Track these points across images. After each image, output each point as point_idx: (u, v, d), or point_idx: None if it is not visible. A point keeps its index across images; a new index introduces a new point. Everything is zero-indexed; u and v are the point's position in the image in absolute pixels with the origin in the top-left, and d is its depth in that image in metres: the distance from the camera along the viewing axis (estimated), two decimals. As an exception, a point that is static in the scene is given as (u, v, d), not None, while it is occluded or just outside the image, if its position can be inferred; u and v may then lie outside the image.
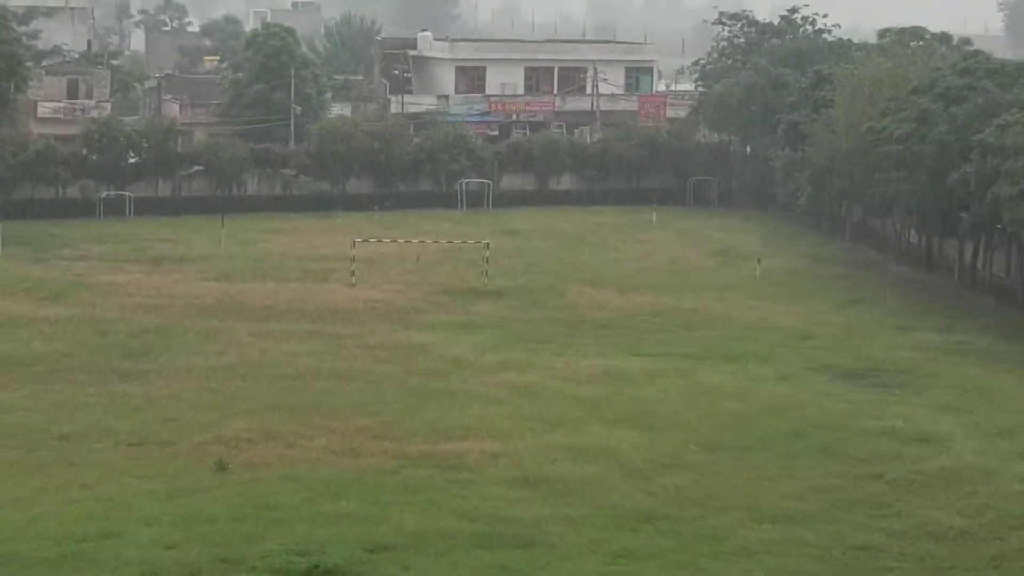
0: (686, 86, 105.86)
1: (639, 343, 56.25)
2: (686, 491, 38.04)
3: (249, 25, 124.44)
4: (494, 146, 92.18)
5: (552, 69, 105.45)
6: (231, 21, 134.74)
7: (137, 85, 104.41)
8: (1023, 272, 64.38)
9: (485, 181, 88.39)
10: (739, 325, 60.01)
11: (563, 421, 44.45)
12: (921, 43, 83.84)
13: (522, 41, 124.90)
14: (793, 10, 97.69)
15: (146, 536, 33.58)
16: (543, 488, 38.00)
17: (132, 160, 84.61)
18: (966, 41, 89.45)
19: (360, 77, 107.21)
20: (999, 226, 62.53)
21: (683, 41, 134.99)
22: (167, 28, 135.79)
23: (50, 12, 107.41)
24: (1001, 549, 34.42)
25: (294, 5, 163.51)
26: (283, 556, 32.16)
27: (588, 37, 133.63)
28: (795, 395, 48.47)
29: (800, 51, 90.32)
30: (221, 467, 38.88)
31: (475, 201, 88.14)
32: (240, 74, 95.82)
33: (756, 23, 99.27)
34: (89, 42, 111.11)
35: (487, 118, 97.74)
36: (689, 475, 39.52)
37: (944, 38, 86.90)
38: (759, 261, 72.93)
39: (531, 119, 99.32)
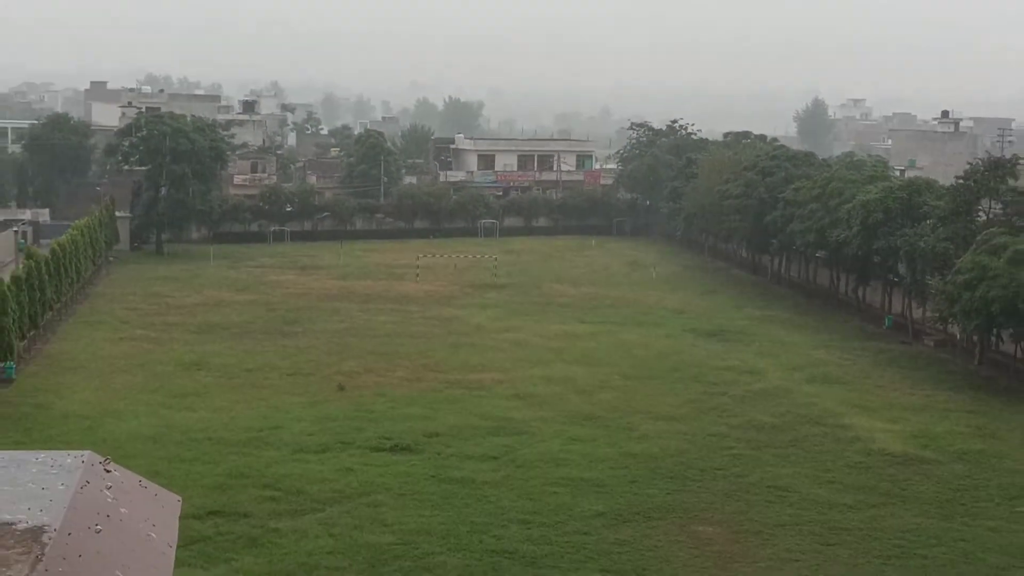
0: (611, 165, 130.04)
1: (584, 316, 68.60)
2: (612, 402, 47.74)
3: (357, 130, 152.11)
4: (500, 200, 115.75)
5: (533, 156, 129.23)
6: (346, 128, 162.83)
7: (291, 165, 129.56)
8: (807, 275, 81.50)
9: (494, 221, 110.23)
10: (643, 305, 73.22)
11: (539, 361, 55.09)
12: (747, 141, 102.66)
13: (516, 139, 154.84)
14: (674, 120, 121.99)
15: (296, 428, 42.54)
16: (528, 400, 47.66)
17: (288, 209, 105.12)
18: (774, 139, 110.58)
19: (421, 160, 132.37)
20: (794, 248, 79.79)
21: (610, 139, 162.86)
22: (309, 132, 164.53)
23: (241, 123, 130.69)
24: (795, 435, 43.49)
25: (383, 119, 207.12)
26: (376, 439, 41.04)
27: (555, 138, 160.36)
28: (675, 346, 60.16)
29: (678, 145, 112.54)
30: (340, 388, 48.56)
31: (488, 233, 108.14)
32: (352, 159, 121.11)
33: (652, 129, 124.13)
34: (263, 140, 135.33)
35: (495, 184, 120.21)
36: (614, 393, 49.28)
37: (761, 137, 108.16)
38: (654, 268, 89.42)
39: (521, 185, 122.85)
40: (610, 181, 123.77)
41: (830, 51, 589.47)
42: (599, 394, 49.10)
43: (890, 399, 50.01)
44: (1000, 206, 60.54)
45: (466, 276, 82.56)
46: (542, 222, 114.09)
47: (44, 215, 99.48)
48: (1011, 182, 61.35)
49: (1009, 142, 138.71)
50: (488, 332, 62.32)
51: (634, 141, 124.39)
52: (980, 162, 64.87)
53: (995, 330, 54.96)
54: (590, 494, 36.09)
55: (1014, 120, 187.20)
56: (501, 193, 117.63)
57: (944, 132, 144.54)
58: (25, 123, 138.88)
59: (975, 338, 57.84)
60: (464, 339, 60.17)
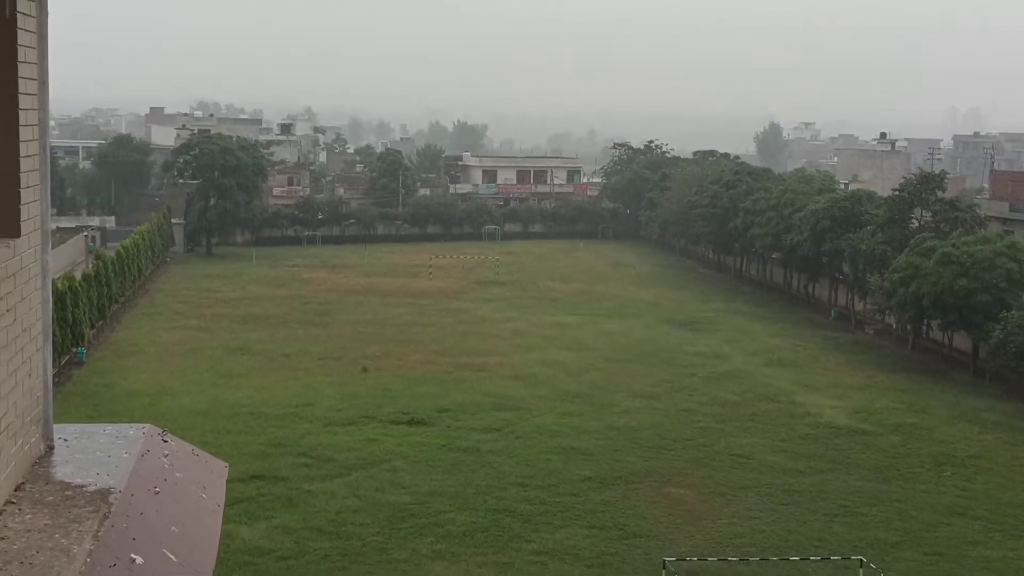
0: (597, 179, 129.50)
1: (573, 308, 68.11)
2: (597, 382, 47.83)
3: (378, 149, 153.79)
4: (501, 209, 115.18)
5: (530, 171, 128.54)
6: (369, 147, 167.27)
7: (322, 179, 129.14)
8: (765, 273, 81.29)
9: (496, 227, 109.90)
10: (623, 299, 72.38)
11: (535, 347, 54.89)
12: (713, 158, 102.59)
13: (515, 157, 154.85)
14: (651, 141, 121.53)
15: (326, 404, 42.79)
16: (525, 381, 47.58)
17: (319, 216, 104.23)
18: (736, 157, 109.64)
19: (433, 175, 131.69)
20: (753, 250, 79.92)
21: (596, 157, 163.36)
22: (337, 150, 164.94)
23: (279, 143, 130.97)
24: (754, 411, 43.85)
25: (401, 139, 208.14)
26: (395, 414, 41.31)
27: (549, 155, 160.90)
28: (651, 334, 59.82)
29: (654, 162, 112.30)
30: (364, 370, 48.65)
31: (491, 237, 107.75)
32: (374, 173, 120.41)
33: (632, 148, 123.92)
34: (298, 157, 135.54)
35: (497, 195, 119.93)
36: (599, 374, 49.31)
37: (725, 155, 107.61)
38: (634, 267, 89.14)
39: (519, 196, 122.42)
40: (596, 193, 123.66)
41: (784, 81, 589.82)
42: (586, 375, 49.18)
43: (835, 379, 50.26)
44: (930, 214, 61.03)
45: (472, 274, 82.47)
46: (537, 228, 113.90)
47: (110, 222, 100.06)
48: (939, 194, 61.96)
49: (938, 159, 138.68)
50: (491, 322, 62.28)
51: (616, 158, 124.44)
52: (913, 177, 65.52)
53: (925, 320, 55.31)
54: (578, 461, 36.32)
55: (942, 140, 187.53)
56: (502, 203, 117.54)
57: (882, 151, 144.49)
58: (94, 143, 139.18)
59: (908, 327, 58.14)
60: (470, 328, 60.15)
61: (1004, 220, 65.37)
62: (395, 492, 32.81)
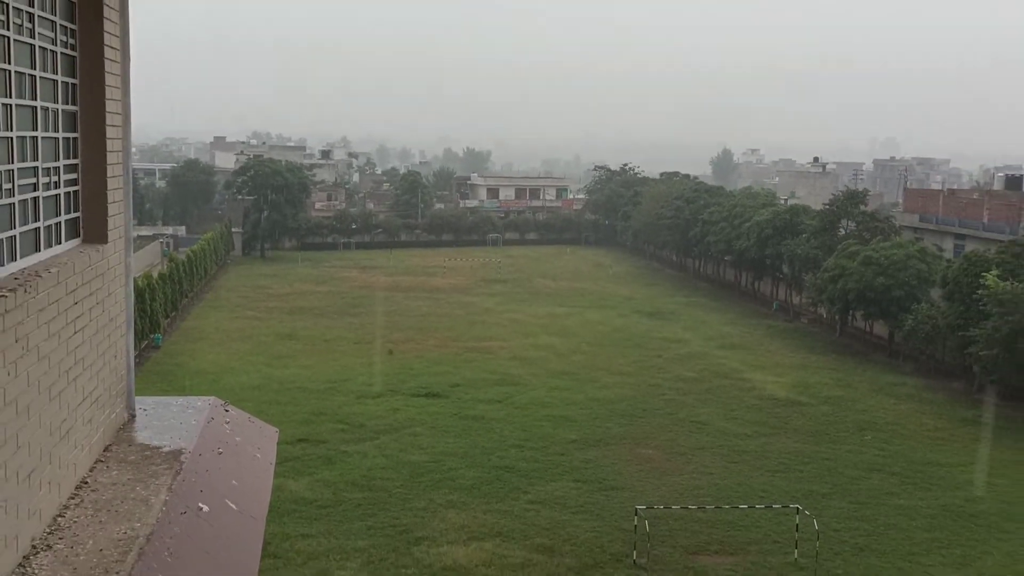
0: (581, 196, 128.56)
1: (561, 301, 67.62)
2: (581, 362, 47.83)
3: (402, 171, 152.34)
4: (502, 220, 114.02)
5: (526, 189, 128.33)
6: (394, 169, 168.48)
7: (355, 195, 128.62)
8: (719, 273, 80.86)
9: (498, 235, 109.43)
10: (602, 294, 72.29)
11: (530, 334, 54.87)
12: (677, 178, 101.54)
13: (514, 177, 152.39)
14: (626, 164, 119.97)
15: (360, 380, 43.03)
16: (522, 361, 47.74)
17: (353, 226, 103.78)
18: (696, 178, 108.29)
19: (446, 192, 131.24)
20: (709, 253, 79.54)
21: (580, 177, 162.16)
22: (368, 172, 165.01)
23: (320, 166, 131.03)
24: (710, 385, 43.78)
25: (420, 163, 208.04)
26: (415, 388, 41.65)
27: (541, 176, 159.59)
28: (625, 323, 59.58)
29: (628, 182, 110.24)
30: (390, 352, 48.80)
31: (494, 243, 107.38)
32: (398, 191, 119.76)
33: (610, 170, 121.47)
34: (335, 178, 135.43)
35: (499, 209, 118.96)
36: (582, 356, 49.29)
37: (687, 176, 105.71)
38: (612, 267, 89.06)
39: (517, 209, 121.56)
40: (580, 207, 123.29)
41: (736, 115, 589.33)
42: (572, 357, 49.19)
43: (776, 360, 50.28)
44: (854, 224, 61.19)
45: (478, 274, 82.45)
46: (532, 236, 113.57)
47: (181, 231, 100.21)
48: (862, 208, 62.29)
49: (860, 179, 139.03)
50: (494, 313, 62.24)
51: (597, 179, 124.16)
52: (840, 194, 65.66)
53: (850, 311, 55.23)
54: (566, 427, 36.40)
55: (864, 164, 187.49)
56: (503, 215, 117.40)
57: (815, 172, 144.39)
58: (168, 166, 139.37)
59: (836, 317, 57.94)
60: (477, 318, 60.13)
61: (915, 229, 65.51)
62: (415, 452, 32.93)
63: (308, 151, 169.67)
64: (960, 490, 31.18)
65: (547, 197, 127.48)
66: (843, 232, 60.87)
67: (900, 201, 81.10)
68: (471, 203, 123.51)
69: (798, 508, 27.20)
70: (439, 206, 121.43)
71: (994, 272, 42.42)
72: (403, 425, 36.11)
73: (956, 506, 29.70)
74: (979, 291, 42.30)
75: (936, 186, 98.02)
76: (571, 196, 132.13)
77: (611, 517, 27.59)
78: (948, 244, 61.47)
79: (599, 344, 52.49)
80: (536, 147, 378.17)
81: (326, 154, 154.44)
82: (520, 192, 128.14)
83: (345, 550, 24.90)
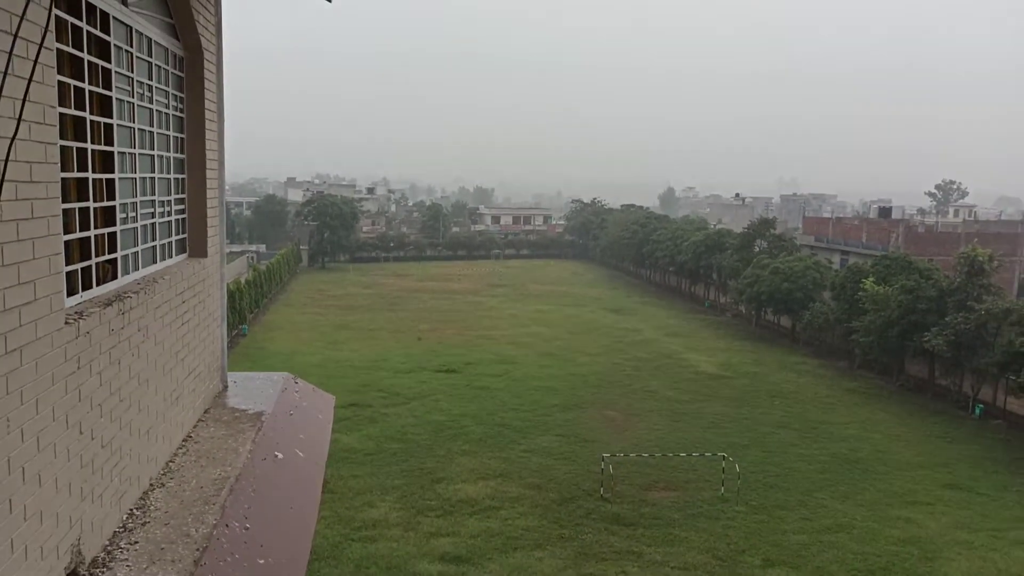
0: (562, 222, 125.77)
1: (547, 301, 66.01)
2: (562, 346, 47.14)
3: (427, 203, 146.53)
4: (503, 240, 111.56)
5: (521, 216, 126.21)
6: (422, 202, 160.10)
7: (393, 222, 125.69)
8: (665, 280, 76.54)
9: (500, 251, 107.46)
10: (578, 296, 70.01)
11: (523, 325, 54.17)
12: (633, 209, 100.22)
13: (511, 208, 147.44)
14: (595, 198, 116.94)
15: (396, 359, 42.55)
16: (517, 344, 47.21)
17: (391, 245, 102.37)
18: (647, 209, 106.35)
19: (461, 219, 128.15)
20: (658, 265, 77.45)
21: (562, 208, 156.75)
22: (402, 204, 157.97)
23: (366, 199, 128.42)
24: (658, 364, 42.99)
25: (440, 197, 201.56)
26: (438, 366, 41.17)
27: (532, 206, 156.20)
28: (595, 317, 58.13)
29: (597, 211, 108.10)
30: (419, 339, 48.29)
31: (496, 257, 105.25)
32: (425, 218, 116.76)
33: (584, 203, 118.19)
34: (378, 208, 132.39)
35: (500, 232, 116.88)
36: (563, 342, 48.45)
37: (640, 207, 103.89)
38: (583, 275, 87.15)
39: (514, 232, 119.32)
40: (561, 230, 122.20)
41: (677, 160, 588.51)
42: (555, 342, 48.76)
43: (708, 345, 49.94)
44: (766, 243, 60.77)
45: (484, 280, 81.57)
46: (525, 251, 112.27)
47: (262, 248, 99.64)
48: (772, 231, 61.69)
49: (770, 210, 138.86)
50: (496, 309, 61.69)
51: (574, 209, 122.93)
52: (755, 221, 65.22)
53: (763, 309, 54.89)
54: (551, 394, 35.99)
55: (773, 198, 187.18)
56: (503, 236, 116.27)
57: (736, 204, 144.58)
58: (252, 199, 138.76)
59: (753, 313, 57.74)
60: (484, 313, 59.59)
61: (811, 247, 65.21)
62: (437, 414, 32.60)
63: (357, 188, 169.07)
64: (845, 442, 31.14)
65: (536, 223, 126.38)
66: (758, 249, 60.68)
67: (800, 226, 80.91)
68: (479, 227, 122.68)
69: (724, 455, 27.19)
70: (455, 229, 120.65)
71: (870, 279, 42.74)
72: (428, 393, 35.73)
73: (842, 454, 29.65)
74: (859, 293, 42.56)
75: (827, 215, 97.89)
76: (554, 222, 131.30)
77: (584, 462, 27.48)
78: (836, 258, 61.29)
79: (575, 333, 52.09)
80: (528, 185, 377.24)
81: (371, 190, 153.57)
82: (516, 219, 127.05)
83: (384, 487, 24.86)
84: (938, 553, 21.62)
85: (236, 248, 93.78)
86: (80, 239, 4.52)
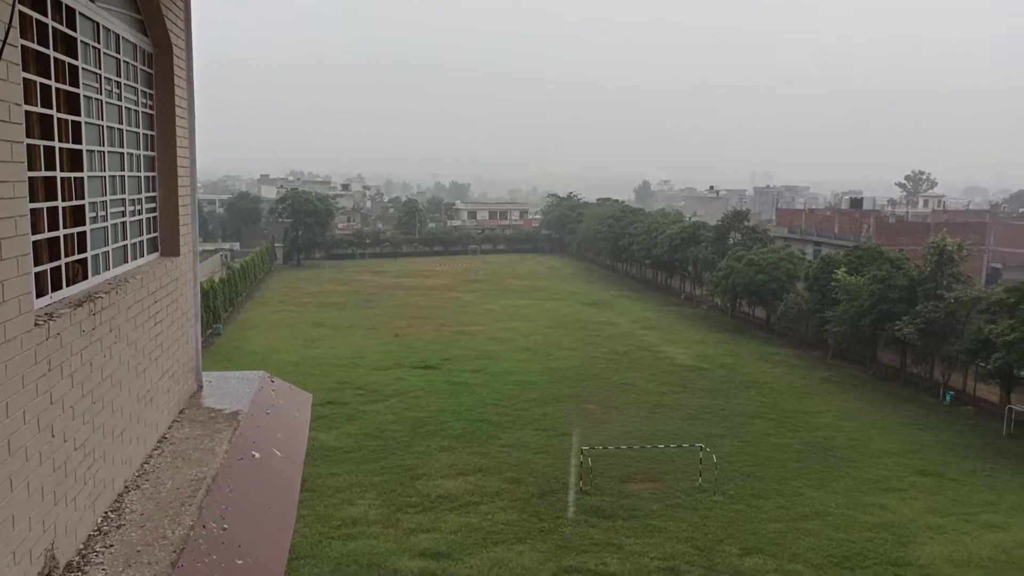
0: (539, 216, 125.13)
1: (524, 295, 65.85)
2: (540, 340, 46.77)
3: (403, 199, 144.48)
4: (480, 235, 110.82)
5: (497, 211, 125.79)
6: (397, 198, 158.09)
7: (368, 218, 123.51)
8: (641, 272, 77.93)
9: (477, 246, 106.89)
10: (555, 290, 69.80)
11: (501, 320, 53.81)
12: (609, 202, 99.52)
13: (487, 203, 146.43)
14: (571, 192, 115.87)
15: (373, 357, 42.00)
16: (495, 340, 46.82)
17: (367, 241, 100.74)
18: (623, 202, 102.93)
19: (437, 214, 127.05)
20: (634, 258, 76.95)
21: (538, 202, 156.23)
22: (377, 200, 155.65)
23: (341, 195, 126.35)
24: (635, 356, 42.87)
25: (416, 193, 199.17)
26: (416, 362, 40.80)
27: (509, 201, 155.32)
28: (572, 311, 58.10)
29: (573, 206, 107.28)
30: (396, 335, 47.75)
31: (473, 252, 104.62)
32: (400, 214, 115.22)
33: (560, 197, 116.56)
34: (353, 204, 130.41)
35: (477, 227, 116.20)
36: (541, 336, 48.15)
37: (616, 201, 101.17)
38: (560, 269, 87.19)
39: (491, 227, 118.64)
40: (537, 224, 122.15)
41: (653, 152, 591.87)
42: (533, 336, 48.50)
43: (684, 337, 50.00)
44: (740, 236, 61.21)
45: (462, 276, 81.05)
46: (502, 247, 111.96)
47: (236, 246, 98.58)
48: (746, 223, 62.20)
49: (744, 202, 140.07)
50: (474, 305, 61.26)
51: (550, 203, 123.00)
52: (730, 213, 65.65)
53: (738, 300, 55.32)
54: (529, 388, 35.86)
55: (746, 190, 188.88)
56: (480, 231, 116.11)
57: (711, 197, 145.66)
58: (225, 197, 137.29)
59: (728, 304, 58.15)
60: (461, 308, 59.17)
61: (785, 239, 65.90)
62: (416, 410, 32.37)
63: (332, 184, 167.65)
64: (819, 431, 31.36)
65: (513, 218, 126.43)
66: (732, 241, 61.12)
67: (774, 218, 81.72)
68: (456, 222, 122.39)
69: (701, 446, 27.25)
70: (432, 225, 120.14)
71: (842, 270, 43.11)
72: (407, 390, 35.45)
73: (817, 443, 29.86)
74: (832, 283, 43.00)
75: (800, 207, 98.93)
76: (531, 217, 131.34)
77: (563, 456, 27.40)
78: (809, 249, 62.04)
79: (552, 327, 51.76)
80: (505, 180, 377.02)
81: (346, 187, 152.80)
82: (492, 214, 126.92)
83: (363, 484, 24.68)
84: (911, 538, 21.89)
85: (209, 246, 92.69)
86: (49, 239, 4.45)
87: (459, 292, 68.61)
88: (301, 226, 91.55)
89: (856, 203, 78.91)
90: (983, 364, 33.18)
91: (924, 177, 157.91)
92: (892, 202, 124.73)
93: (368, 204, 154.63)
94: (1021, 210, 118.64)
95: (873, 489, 25.47)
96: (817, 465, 27.60)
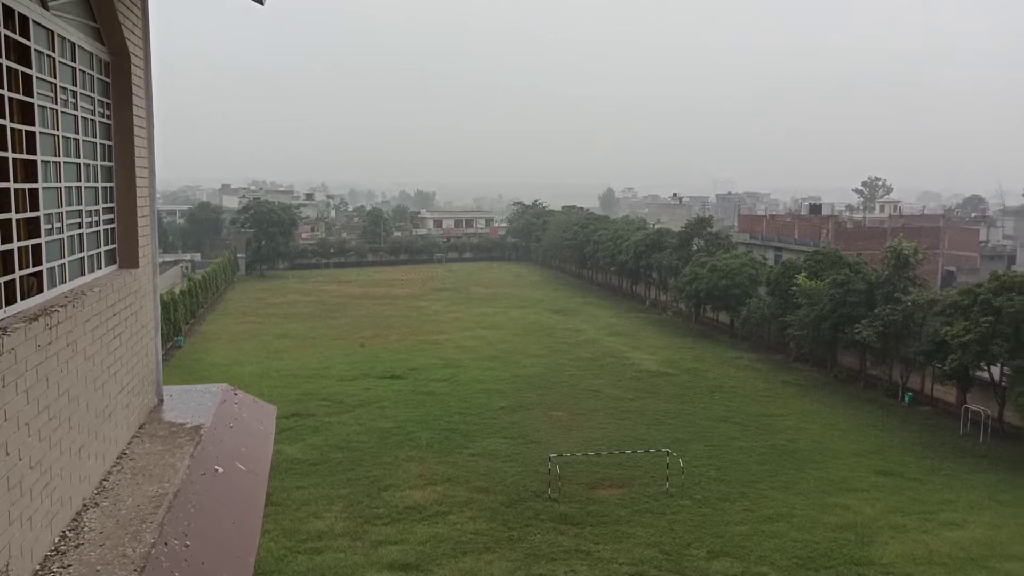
0: (505, 224, 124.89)
1: (491, 304, 65.34)
2: (507, 348, 46.58)
3: (368, 207, 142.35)
4: (445, 243, 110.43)
5: (463, 219, 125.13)
6: (362, 207, 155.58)
7: (332, 227, 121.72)
8: (607, 279, 76.93)
9: (442, 254, 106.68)
10: (521, 297, 69.68)
11: (467, 328, 53.52)
12: (574, 210, 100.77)
13: (453, 211, 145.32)
14: (536, 200, 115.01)
15: (339, 367, 41.69)
16: (462, 349, 46.59)
17: (332, 250, 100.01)
18: (588, 209, 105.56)
19: (403, 223, 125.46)
20: (599, 265, 77.65)
21: (504, 210, 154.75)
22: (342, 209, 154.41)
23: (305, 205, 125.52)
24: (602, 363, 43.03)
25: (381, 201, 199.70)
26: (382, 372, 40.55)
27: (474, 210, 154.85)
28: (539, 319, 57.94)
29: (539, 213, 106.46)
30: (362, 345, 47.42)
31: (439, 261, 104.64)
32: (365, 223, 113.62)
33: (526, 205, 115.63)
34: (317, 213, 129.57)
35: (443, 235, 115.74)
36: (508, 344, 48.02)
37: (581, 208, 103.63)
38: (526, 277, 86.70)
39: (457, 235, 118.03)
40: (503, 232, 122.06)
41: (618, 161, 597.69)
42: (500, 344, 48.37)
43: (650, 343, 50.16)
44: (703, 242, 61.78)
45: (427, 284, 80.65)
46: (467, 255, 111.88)
47: (197, 257, 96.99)
48: (709, 230, 62.73)
49: (707, 209, 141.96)
50: (440, 313, 60.99)
51: (516, 211, 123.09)
52: (693, 220, 66.40)
53: (702, 306, 55.73)
54: (497, 397, 35.81)
55: (709, 197, 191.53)
56: (446, 240, 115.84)
57: (674, 204, 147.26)
58: (185, 207, 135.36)
59: (692, 310, 58.46)
60: (427, 318, 58.81)
61: (747, 244, 66.70)
62: (383, 421, 32.15)
63: (295, 194, 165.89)
64: (783, 433, 31.73)
65: (478, 226, 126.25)
66: (696, 248, 61.69)
67: (736, 224, 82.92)
68: (421, 231, 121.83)
69: (668, 451, 27.45)
70: (397, 234, 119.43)
71: (803, 274, 43.83)
72: (373, 400, 35.21)
73: (780, 445, 30.22)
74: (793, 288, 43.64)
75: (761, 213, 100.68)
76: (496, 225, 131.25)
77: (531, 463, 27.44)
78: (770, 255, 62.88)
79: (520, 334, 51.64)
80: (470, 188, 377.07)
81: (309, 196, 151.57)
82: (458, 222, 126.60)
83: (330, 497, 24.46)
84: (873, 537, 22.18)
85: (169, 258, 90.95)
86: (2, 252, 4.35)
87: (425, 301, 68.21)
88: (264, 236, 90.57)
89: (815, 209, 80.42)
90: (939, 365, 33.92)
91: (880, 183, 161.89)
92: (850, 208, 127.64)
93: (332, 213, 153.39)
94: (973, 215, 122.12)
95: (836, 490, 25.83)
96: (781, 467, 27.94)
